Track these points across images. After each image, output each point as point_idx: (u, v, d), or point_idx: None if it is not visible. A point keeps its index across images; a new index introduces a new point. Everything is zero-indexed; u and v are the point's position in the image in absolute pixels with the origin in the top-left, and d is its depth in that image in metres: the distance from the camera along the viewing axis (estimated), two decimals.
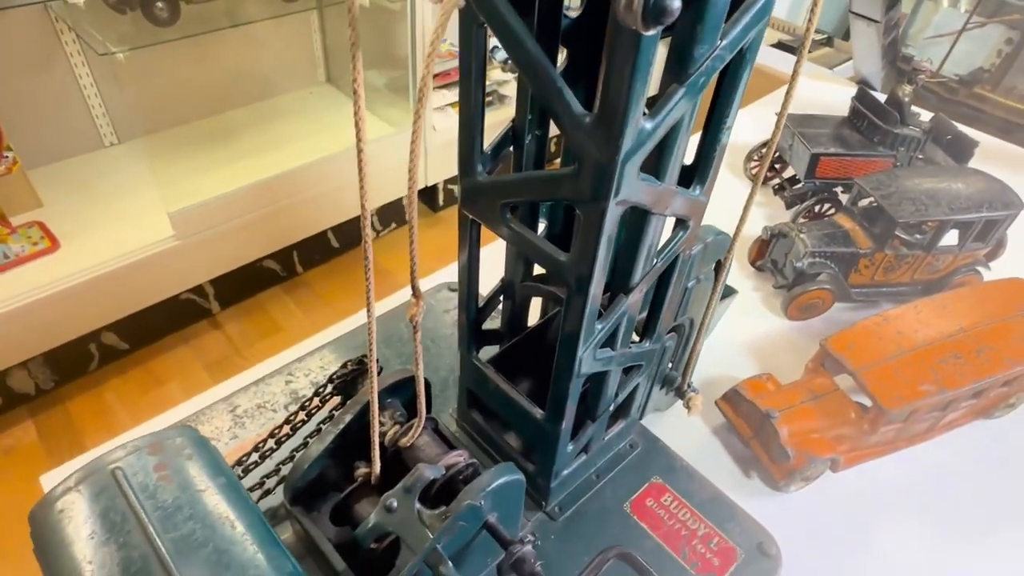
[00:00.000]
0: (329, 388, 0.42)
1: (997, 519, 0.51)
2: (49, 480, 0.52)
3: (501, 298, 0.43)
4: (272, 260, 1.74)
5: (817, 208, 0.74)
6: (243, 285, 1.72)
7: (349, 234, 1.88)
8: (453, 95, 1.93)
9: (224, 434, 0.48)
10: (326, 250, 1.86)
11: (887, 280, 0.65)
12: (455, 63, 1.94)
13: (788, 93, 0.31)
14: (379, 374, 0.45)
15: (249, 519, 0.30)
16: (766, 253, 0.67)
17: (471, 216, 0.33)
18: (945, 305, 0.55)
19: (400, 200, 1.94)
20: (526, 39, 0.24)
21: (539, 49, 0.25)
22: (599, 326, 0.33)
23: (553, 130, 0.32)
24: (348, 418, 0.39)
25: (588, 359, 0.35)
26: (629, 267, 0.31)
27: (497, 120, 1.98)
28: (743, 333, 0.64)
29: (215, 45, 1.67)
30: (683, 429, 0.55)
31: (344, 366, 0.43)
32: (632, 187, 0.26)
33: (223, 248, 1.58)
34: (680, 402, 0.50)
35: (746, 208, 0.38)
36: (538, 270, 0.41)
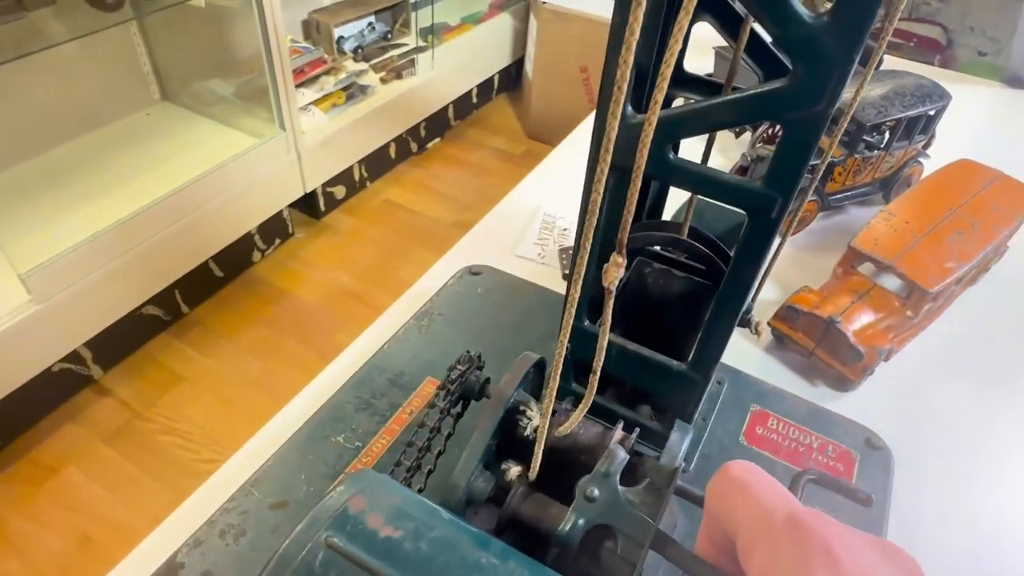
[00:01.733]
0: (443, 397, 0.37)
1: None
2: None
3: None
4: (152, 305, 1.54)
5: (770, 131, 0.78)
6: (124, 340, 1.51)
7: (232, 260, 1.71)
8: (314, 93, 1.81)
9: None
10: (211, 282, 1.68)
11: (855, 183, 0.70)
12: (310, 58, 1.81)
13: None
14: (481, 368, 0.41)
15: (490, 544, 0.26)
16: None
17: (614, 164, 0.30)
18: (928, 193, 0.61)
19: (281, 214, 1.80)
20: None
21: None
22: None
23: None
24: (494, 421, 0.35)
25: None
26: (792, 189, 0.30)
27: (360, 113, 1.89)
28: None
29: (26, 73, 1.43)
30: (740, 356, 0.56)
31: (453, 368, 0.38)
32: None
33: (93, 303, 1.37)
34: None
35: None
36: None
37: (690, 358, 0.38)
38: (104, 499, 1.28)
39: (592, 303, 0.40)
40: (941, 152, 0.74)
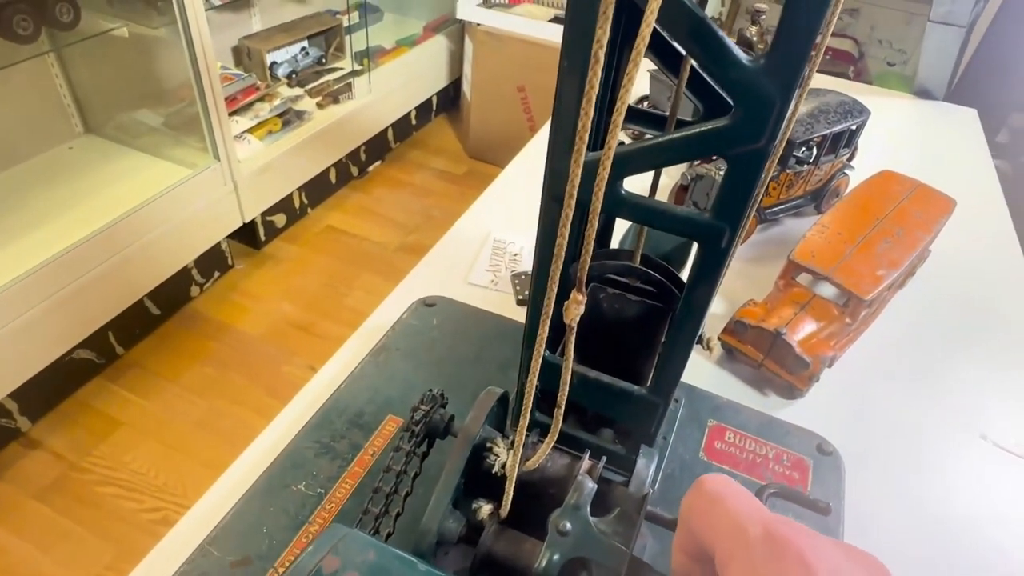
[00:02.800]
0: (408, 439, 0.37)
1: (951, 353, 0.63)
2: None
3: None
4: (84, 349, 1.47)
5: None
6: (54, 388, 1.43)
7: (168, 296, 1.65)
8: (249, 121, 1.77)
9: None
10: (146, 320, 1.61)
11: (789, 196, 0.73)
12: (243, 85, 1.78)
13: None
14: (444, 406, 0.41)
15: None
16: (686, 197, 0.71)
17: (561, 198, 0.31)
18: (856, 204, 0.64)
19: (219, 245, 1.74)
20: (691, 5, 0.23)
21: (701, 11, 0.24)
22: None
23: None
24: (462, 460, 0.34)
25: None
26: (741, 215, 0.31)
27: (298, 139, 1.86)
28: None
29: None
30: (694, 371, 0.57)
31: (416, 408, 0.38)
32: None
33: (20, 351, 1.29)
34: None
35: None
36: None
37: (649, 382, 0.38)
38: (37, 559, 1.20)
39: (552, 331, 0.40)
40: (864, 163, 0.79)
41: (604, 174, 0.24)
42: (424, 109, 2.51)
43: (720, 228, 0.30)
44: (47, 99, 1.61)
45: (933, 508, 0.50)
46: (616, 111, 0.23)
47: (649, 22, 0.21)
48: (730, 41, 0.25)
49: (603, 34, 0.21)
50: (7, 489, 1.30)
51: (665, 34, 0.25)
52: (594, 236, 0.27)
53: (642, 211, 0.31)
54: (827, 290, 0.58)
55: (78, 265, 1.35)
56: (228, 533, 0.39)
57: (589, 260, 0.27)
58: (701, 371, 0.58)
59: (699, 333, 0.50)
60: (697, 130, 0.27)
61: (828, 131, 0.69)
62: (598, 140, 0.37)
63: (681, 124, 0.37)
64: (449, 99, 2.65)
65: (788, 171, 0.70)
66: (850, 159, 0.77)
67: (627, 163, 0.29)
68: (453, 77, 2.53)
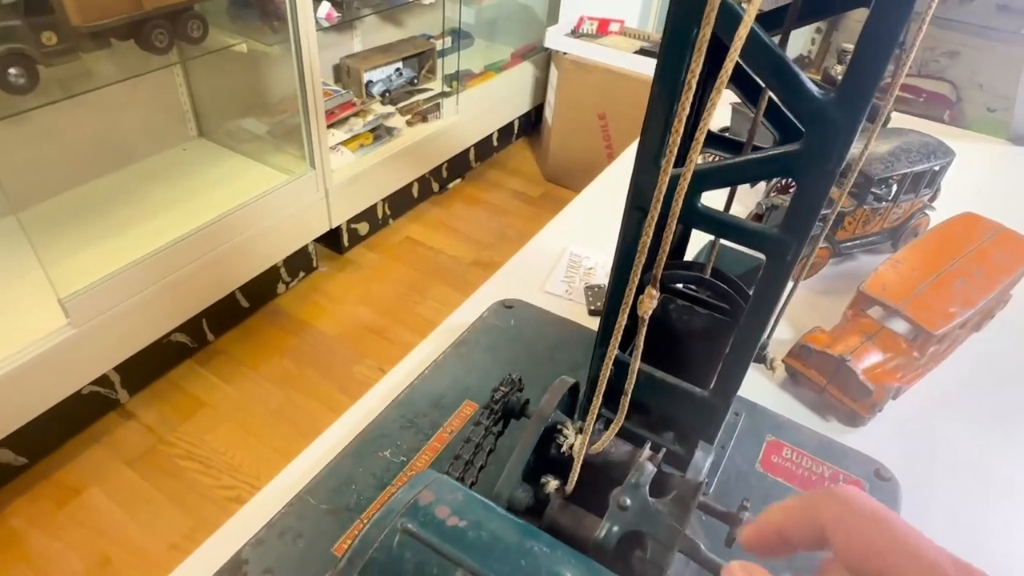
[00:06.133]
0: (487, 415, 0.41)
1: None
2: None
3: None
4: (180, 333, 1.59)
5: (782, 183, 0.82)
6: (151, 366, 1.56)
7: (257, 291, 1.77)
8: (344, 134, 1.89)
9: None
10: (236, 312, 1.74)
11: (865, 232, 0.74)
12: (340, 101, 1.90)
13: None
14: (521, 391, 0.45)
15: (540, 536, 0.29)
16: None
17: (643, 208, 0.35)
18: (933, 243, 0.65)
19: (306, 248, 1.86)
20: (768, 41, 0.27)
21: (780, 49, 0.27)
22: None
23: None
24: (535, 438, 0.38)
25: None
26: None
27: (386, 154, 1.96)
28: None
29: (76, 109, 1.52)
30: (756, 390, 0.59)
31: (497, 389, 0.42)
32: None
33: (126, 329, 1.42)
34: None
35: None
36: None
37: (712, 386, 0.41)
38: (124, 521, 1.31)
39: (623, 333, 0.44)
40: (946, 205, 0.79)
41: (684, 184, 0.28)
42: (506, 131, 2.60)
43: (787, 242, 0.33)
44: (169, 104, 1.78)
45: (994, 546, 0.50)
46: (699, 130, 0.26)
47: (732, 58, 0.25)
48: (804, 75, 0.28)
49: (696, 67, 0.25)
50: (103, 453, 1.42)
51: (747, 68, 0.29)
52: (671, 238, 0.30)
53: (716, 223, 0.35)
54: (897, 325, 0.59)
55: (183, 256, 1.48)
56: (322, 486, 0.44)
57: (664, 258, 0.30)
58: (764, 392, 0.60)
59: (764, 352, 0.52)
60: (772, 152, 0.31)
61: (909, 170, 0.70)
62: (680, 159, 0.41)
63: (756, 150, 0.40)
64: (530, 123, 2.74)
65: (865, 207, 0.71)
66: (932, 199, 0.77)
67: (707, 178, 0.33)
68: (536, 102, 2.61)
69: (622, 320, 0.33)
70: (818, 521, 0.26)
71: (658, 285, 0.32)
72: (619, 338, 0.34)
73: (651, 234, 0.28)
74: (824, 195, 0.31)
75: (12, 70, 1.22)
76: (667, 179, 0.27)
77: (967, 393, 0.63)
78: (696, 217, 0.34)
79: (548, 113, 2.42)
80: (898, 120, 1.12)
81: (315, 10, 1.62)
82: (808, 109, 0.28)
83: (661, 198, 0.29)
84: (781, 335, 0.66)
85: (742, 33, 0.25)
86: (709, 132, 0.43)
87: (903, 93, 2.36)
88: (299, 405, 1.57)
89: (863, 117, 0.28)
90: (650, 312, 0.33)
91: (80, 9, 1.27)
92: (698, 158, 0.30)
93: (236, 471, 1.41)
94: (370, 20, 2.11)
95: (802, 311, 0.70)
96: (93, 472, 1.39)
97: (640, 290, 0.33)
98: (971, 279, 0.60)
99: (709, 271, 0.45)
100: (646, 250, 0.30)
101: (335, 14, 1.81)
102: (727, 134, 0.99)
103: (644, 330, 0.34)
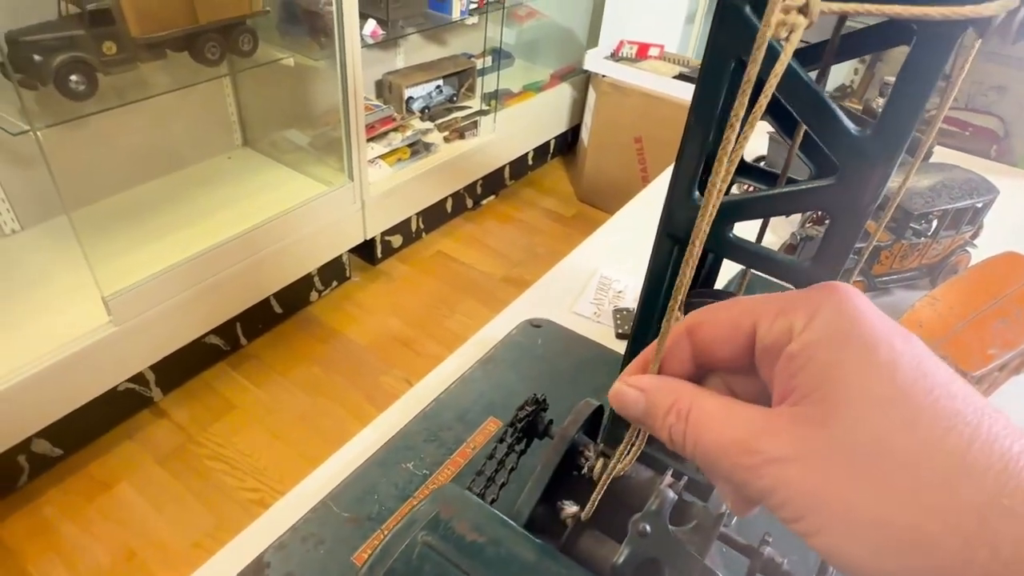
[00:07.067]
0: (511, 433, 0.42)
1: None
2: None
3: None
4: (214, 335, 1.63)
5: (818, 213, 0.82)
6: (186, 366, 1.60)
7: (291, 298, 1.80)
8: (383, 148, 1.93)
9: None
10: (269, 317, 1.77)
11: (902, 267, 0.73)
12: (381, 115, 1.94)
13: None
14: (545, 410, 0.45)
15: (557, 556, 0.29)
16: (794, 256, 0.73)
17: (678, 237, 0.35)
18: (973, 281, 0.63)
19: (340, 258, 1.89)
20: (804, 76, 0.28)
21: (815, 83, 0.28)
22: None
23: None
24: (557, 458, 0.39)
25: None
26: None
27: (423, 169, 1.99)
28: None
29: (129, 115, 1.58)
30: None
31: (522, 408, 0.42)
32: None
33: (164, 329, 1.47)
34: None
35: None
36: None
37: None
38: (151, 517, 1.34)
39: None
40: (989, 243, 0.77)
41: (711, 214, 0.28)
42: (541, 150, 2.62)
43: (818, 277, 0.33)
44: (217, 114, 1.84)
45: None
46: (730, 161, 0.27)
47: (767, 94, 0.25)
48: (840, 111, 0.28)
49: (741, 110, 0.25)
50: (135, 449, 1.46)
51: (783, 101, 0.29)
52: (693, 268, 0.31)
53: (747, 254, 0.35)
54: None
55: (222, 260, 1.52)
56: (345, 494, 0.45)
57: (687, 287, 0.31)
58: None
59: None
60: (805, 186, 0.31)
61: (950, 206, 0.68)
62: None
63: (790, 182, 0.40)
64: (566, 143, 2.75)
65: (903, 241, 0.70)
66: (973, 236, 0.76)
67: (740, 209, 0.33)
68: (573, 123, 2.63)
69: (662, 348, 0.33)
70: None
71: (682, 308, 0.32)
72: (658, 364, 0.34)
73: (692, 267, 0.28)
74: (858, 231, 0.31)
75: (73, 77, 1.28)
76: (699, 210, 0.28)
77: None
78: (726, 248, 0.34)
79: (584, 134, 2.43)
80: (941, 155, 1.10)
81: (361, 27, 1.67)
82: (843, 144, 0.28)
83: (692, 229, 0.29)
84: None
85: (778, 70, 0.25)
86: (743, 162, 0.43)
87: (948, 126, 2.32)
88: (326, 412, 1.59)
89: (900, 154, 0.28)
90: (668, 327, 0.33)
91: (140, 21, 1.32)
92: (733, 188, 0.30)
93: (261, 474, 1.44)
94: (413, 38, 2.16)
95: None
96: (124, 467, 1.42)
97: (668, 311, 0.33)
98: (1012, 320, 0.59)
99: None
100: (685, 283, 0.30)
101: (380, 32, 1.85)
102: (763, 164, 0.99)
103: (663, 346, 0.34)
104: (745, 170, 0.43)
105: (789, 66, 0.27)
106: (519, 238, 2.27)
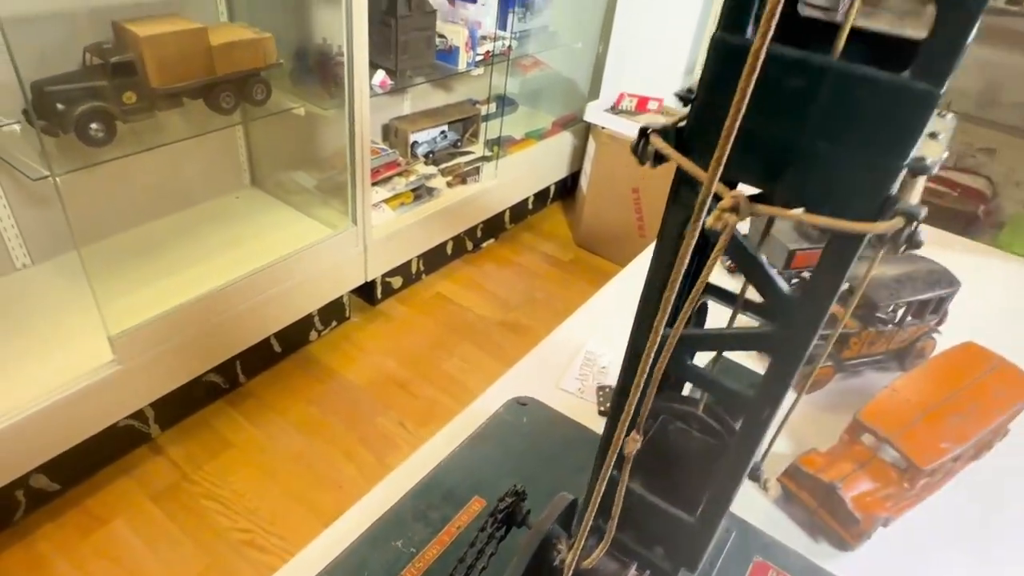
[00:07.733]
0: (491, 523, 0.45)
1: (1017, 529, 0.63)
2: None
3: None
4: (214, 373, 1.67)
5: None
6: (184, 403, 1.63)
7: (291, 337, 1.84)
8: (387, 192, 1.99)
9: None
10: (269, 356, 1.81)
11: (871, 352, 0.77)
12: (386, 160, 2.01)
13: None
14: (524, 500, 0.49)
15: None
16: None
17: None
18: (933, 373, 0.68)
19: (341, 298, 1.94)
20: (755, 253, 0.32)
21: (756, 249, 0.33)
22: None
23: None
24: (531, 551, 0.42)
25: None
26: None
27: (425, 213, 2.05)
28: None
29: (143, 158, 1.63)
30: (751, 505, 0.62)
31: (502, 499, 0.46)
32: None
33: (166, 367, 1.50)
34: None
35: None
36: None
37: (698, 513, 0.45)
38: (144, 555, 1.36)
39: (619, 456, 0.48)
40: (959, 328, 0.81)
41: (670, 346, 0.33)
42: (541, 196, 2.68)
43: (759, 405, 0.37)
44: (228, 156, 1.90)
45: None
46: (682, 312, 0.31)
47: (715, 256, 0.30)
48: (776, 274, 0.33)
49: (677, 278, 0.30)
50: (131, 486, 1.49)
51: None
52: (653, 394, 0.35)
53: (704, 381, 0.39)
54: (889, 454, 0.62)
55: (227, 301, 1.56)
56: (337, 572, 0.48)
57: (646, 412, 0.35)
58: (759, 507, 0.63)
59: (759, 471, 0.56)
60: (748, 332, 0.35)
61: (913, 298, 0.73)
62: (672, 320, 0.45)
63: (748, 305, 0.45)
64: (566, 188, 2.82)
65: (871, 329, 0.74)
66: (938, 324, 0.80)
67: (696, 342, 0.37)
68: (572, 170, 2.70)
69: (613, 453, 0.37)
70: None
71: (641, 430, 0.37)
72: (609, 469, 0.38)
73: (640, 387, 0.32)
74: (794, 371, 0.35)
75: (93, 125, 1.34)
76: (658, 341, 0.32)
77: (963, 522, 0.65)
78: (686, 372, 0.39)
79: (583, 182, 2.50)
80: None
81: (371, 78, 1.74)
82: (778, 302, 0.33)
83: (649, 361, 0.33)
84: (781, 449, 0.69)
85: (721, 244, 0.30)
86: (708, 284, 0.48)
87: (938, 186, 2.38)
88: (319, 452, 1.61)
89: (825, 316, 0.32)
90: (634, 452, 0.37)
91: (160, 73, 1.39)
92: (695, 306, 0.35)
93: (253, 514, 1.46)
94: (420, 85, 2.24)
95: (805, 425, 0.73)
96: (120, 504, 1.45)
97: (632, 427, 0.37)
98: (966, 414, 0.63)
99: (701, 407, 0.49)
100: (635, 402, 0.35)
101: (389, 82, 1.92)
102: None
103: (628, 467, 0.38)
104: (708, 290, 0.47)
105: (735, 239, 0.32)
106: (517, 282, 2.32)
